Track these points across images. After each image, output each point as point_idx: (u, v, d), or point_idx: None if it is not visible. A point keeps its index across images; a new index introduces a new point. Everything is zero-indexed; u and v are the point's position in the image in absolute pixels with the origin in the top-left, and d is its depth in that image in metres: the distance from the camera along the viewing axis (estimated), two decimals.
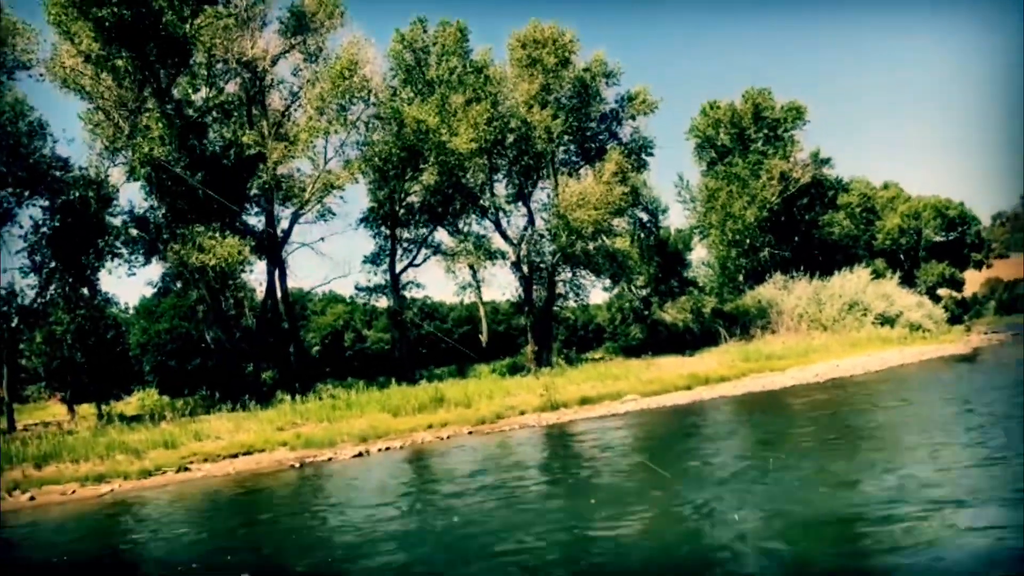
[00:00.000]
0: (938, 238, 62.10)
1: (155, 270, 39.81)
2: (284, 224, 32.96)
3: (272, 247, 31.72)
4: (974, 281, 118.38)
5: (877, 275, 45.12)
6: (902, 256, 61.21)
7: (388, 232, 36.89)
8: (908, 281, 54.13)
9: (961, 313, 64.51)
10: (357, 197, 35.92)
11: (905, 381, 19.97)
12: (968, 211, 65.00)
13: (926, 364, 26.98)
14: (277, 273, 32.03)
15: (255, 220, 33.09)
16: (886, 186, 65.80)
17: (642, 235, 43.24)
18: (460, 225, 37.84)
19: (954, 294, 64.73)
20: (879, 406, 14.42)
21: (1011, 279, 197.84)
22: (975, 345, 36.63)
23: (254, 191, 31.35)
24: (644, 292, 46.04)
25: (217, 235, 27.01)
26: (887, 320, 39.85)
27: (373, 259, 37.47)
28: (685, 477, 8.97)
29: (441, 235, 39.01)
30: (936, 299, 55.33)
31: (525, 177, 37.99)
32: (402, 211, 36.42)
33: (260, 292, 32.78)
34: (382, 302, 39.66)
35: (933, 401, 13.43)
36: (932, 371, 22.46)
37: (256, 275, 32.70)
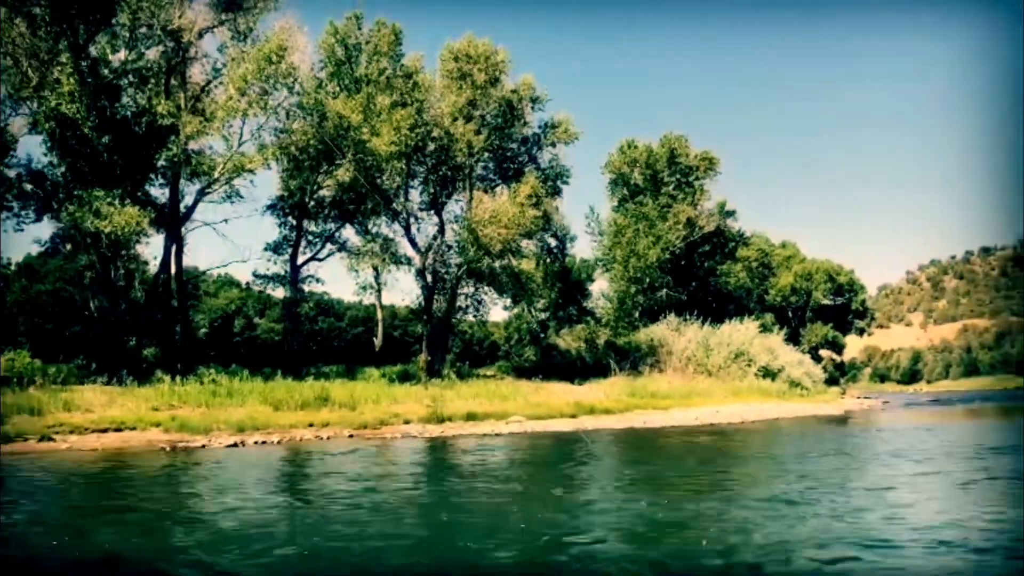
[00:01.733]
0: (826, 301, 64.81)
1: (46, 229, 38.20)
2: (188, 200, 32.15)
3: (173, 222, 30.86)
4: (854, 346, 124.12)
5: (765, 329, 46.81)
6: (790, 314, 63.66)
7: (295, 223, 36.39)
8: (793, 339, 56.37)
9: (838, 375, 67.44)
10: (267, 183, 35.22)
11: (778, 434, 20.76)
12: (856, 279, 68.15)
13: (800, 420, 28.08)
14: (174, 249, 31.18)
15: (158, 192, 32.20)
16: (784, 245, 68.46)
17: (548, 260, 43.76)
18: (369, 225, 37.58)
19: (834, 356, 67.64)
20: (746, 456, 14.97)
21: (888, 349, 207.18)
22: (847, 408, 38.32)
23: (161, 163, 30.45)
24: (543, 316, 46.58)
25: (116, 202, 26.13)
26: (769, 373, 41.34)
27: (275, 248, 36.86)
28: (548, 502, 9.14)
29: (348, 233, 38.68)
30: (817, 359, 57.77)
31: (441, 187, 38.05)
32: (312, 204, 35.99)
33: (153, 266, 31.85)
34: (278, 292, 39.01)
35: (799, 458, 14.03)
36: (805, 428, 23.41)
37: (152, 248, 31.80)
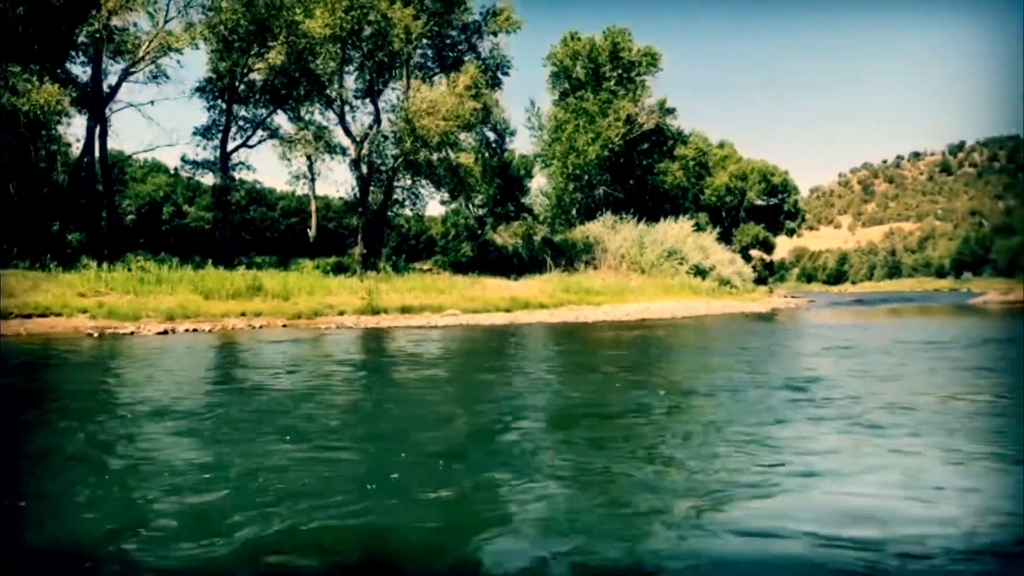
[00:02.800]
0: (759, 201, 65.72)
1: None
2: (112, 80, 30.72)
3: (95, 102, 29.51)
4: (784, 247, 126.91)
5: (699, 228, 47.41)
6: (724, 214, 64.49)
7: (224, 107, 35.10)
8: (726, 238, 57.28)
9: (767, 275, 69.05)
10: (196, 64, 33.47)
11: (705, 330, 21.24)
12: (790, 180, 69.04)
13: (728, 317, 28.77)
14: (97, 131, 29.92)
15: (79, 71, 30.65)
16: (721, 145, 68.71)
17: (487, 154, 43.30)
18: (302, 112, 36.54)
19: (764, 256, 69.05)
20: (671, 349, 15.31)
21: (817, 250, 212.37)
22: (774, 306, 39.37)
23: (82, 39, 28.89)
24: (480, 211, 46.37)
25: (35, 79, 24.82)
26: (701, 271, 42.10)
27: (204, 132, 35.62)
28: (473, 390, 9.24)
29: (280, 119, 37.56)
30: (748, 259, 59.00)
31: (377, 74, 36.94)
32: (242, 87, 34.68)
33: (76, 149, 30.58)
34: (208, 179, 37.95)
35: (724, 351, 14.39)
36: (731, 324, 24.00)
37: (74, 130, 30.52)
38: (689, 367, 11.80)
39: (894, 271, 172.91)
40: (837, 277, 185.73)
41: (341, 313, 22.96)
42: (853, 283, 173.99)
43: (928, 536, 3.90)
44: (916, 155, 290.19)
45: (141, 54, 29.66)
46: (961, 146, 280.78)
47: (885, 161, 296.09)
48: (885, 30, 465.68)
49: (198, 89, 35.06)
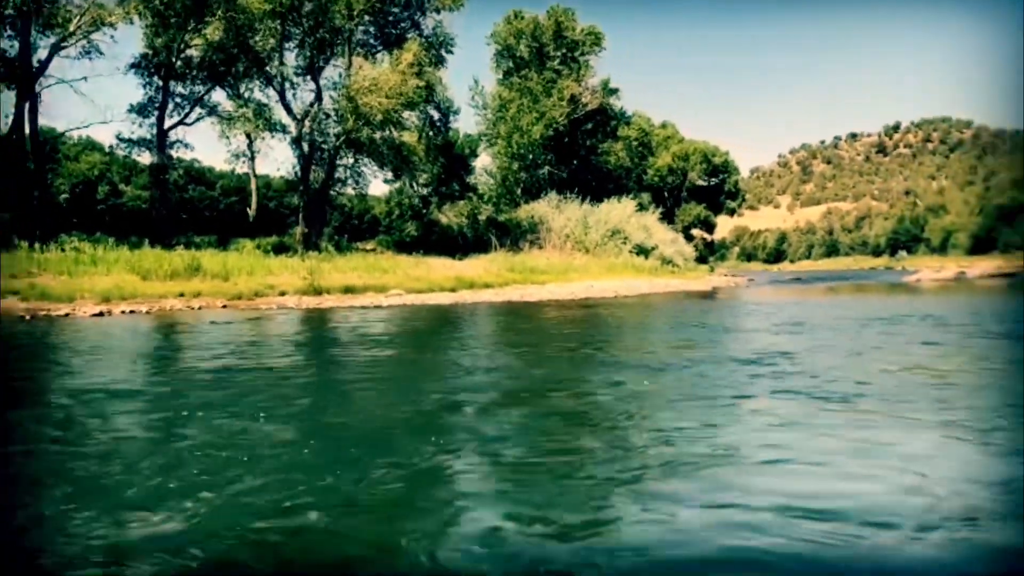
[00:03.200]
0: (701, 182, 66.45)
1: None
2: (41, 55, 29.72)
3: (24, 77, 28.55)
4: (725, 226, 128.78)
5: (642, 208, 47.87)
6: (667, 194, 65.11)
7: (160, 84, 34.23)
8: (668, 218, 57.89)
9: (708, 254, 70.00)
10: (130, 40, 32.40)
11: (649, 308, 21.47)
12: (731, 161, 69.94)
13: (669, 295, 29.13)
14: (27, 107, 28.96)
15: (6, 44, 29.58)
16: (664, 125, 69.26)
17: (431, 133, 43.01)
18: (242, 89, 35.81)
19: (705, 236, 69.95)
20: (613, 326, 15.44)
21: (757, 229, 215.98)
22: (714, 285, 39.99)
23: (9, 11, 27.87)
24: (425, 190, 46.10)
25: None
26: (643, 251, 42.55)
27: (140, 110, 34.70)
28: (419, 370, 9.21)
29: (219, 96, 36.79)
30: (689, 238, 59.73)
31: (318, 51, 36.33)
32: (179, 63, 33.83)
33: (4, 125, 29.58)
34: (145, 157, 37.02)
35: (669, 329, 14.56)
36: (674, 302, 24.29)
37: (2, 106, 29.47)
38: (635, 344, 11.91)
39: (832, 250, 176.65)
40: (776, 256, 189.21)
41: (282, 294, 22.67)
42: (792, 262, 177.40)
43: (892, 503, 3.99)
44: (853, 136, 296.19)
45: (72, 28, 28.75)
46: (897, 127, 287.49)
47: (823, 142, 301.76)
48: (823, 15, 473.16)
49: (133, 65, 34.11)
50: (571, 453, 5.13)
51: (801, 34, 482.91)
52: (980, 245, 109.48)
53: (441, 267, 30.78)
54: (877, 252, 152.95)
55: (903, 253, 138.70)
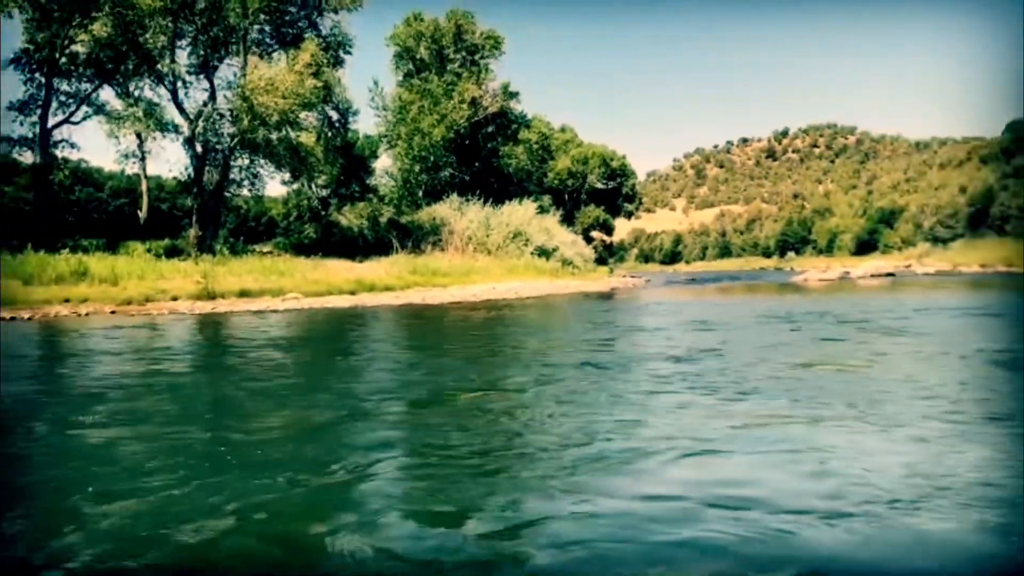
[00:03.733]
0: (600, 185, 67.43)
1: None
2: None
3: None
4: (623, 228, 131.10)
5: (543, 210, 48.32)
6: (567, 196, 65.83)
7: (43, 81, 32.71)
8: (568, 220, 58.59)
9: (608, 255, 71.14)
10: (10, 34, 30.67)
11: (550, 309, 21.70)
12: (628, 165, 71.26)
13: (570, 296, 29.53)
14: None
15: None
16: (563, 129, 70.06)
17: (329, 134, 42.36)
18: (131, 88, 34.53)
19: (605, 238, 71.05)
20: (519, 327, 15.56)
21: (654, 231, 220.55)
22: (613, 286, 40.75)
23: None
24: (324, 192, 45.41)
25: None
26: (544, 252, 42.96)
27: (21, 107, 33.07)
28: (315, 375, 9.09)
29: (108, 95, 35.40)
30: (589, 240, 60.57)
31: (212, 50, 35.35)
32: (64, 60, 32.39)
33: None
34: (27, 157, 35.29)
35: (570, 328, 14.75)
36: (575, 303, 24.62)
37: None
38: (539, 344, 12.02)
39: (725, 251, 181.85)
40: (673, 257, 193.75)
41: (175, 298, 22.01)
42: (687, 263, 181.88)
43: (807, 491, 4.14)
44: (744, 141, 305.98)
45: None
46: (785, 133, 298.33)
47: (716, 146, 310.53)
48: (717, 20, 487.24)
49: (12, 60, 32.52)
50: (481, 454, 5.13)
51: (694, 41, 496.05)
52: (863, 246, 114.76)
53: (340, 270, 30.39)
54: (767, 253, 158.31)
55: (792, 254, 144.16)
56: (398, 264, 33.84)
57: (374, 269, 31.76)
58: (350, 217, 42.58)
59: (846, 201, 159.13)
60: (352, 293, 26.18)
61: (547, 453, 5.13)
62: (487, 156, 49.41)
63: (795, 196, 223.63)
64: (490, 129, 48.87)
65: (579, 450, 5.14)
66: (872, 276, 44.07)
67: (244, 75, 33.87)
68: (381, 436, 5.77)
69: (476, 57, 47.29)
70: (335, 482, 4.54)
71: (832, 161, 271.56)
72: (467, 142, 46.73)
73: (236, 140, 34.46)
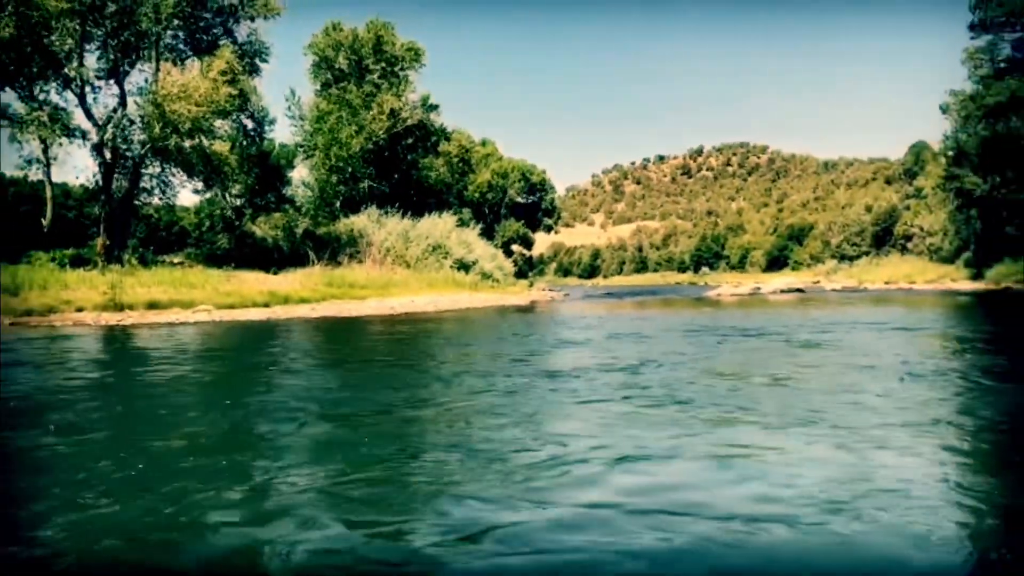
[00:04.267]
0: (520, 199, 67.89)
1: None
2: None
3: None
4: (543, 242, 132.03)
5: (463, 223, 48.36)
6: (487, 210, 66.04)
7: None
8: (488, 234, 58.75)
9: (527, 269, 71.57)
10: None
11: (470, 322, 21.70)
12: (548, 180, 71.95)
13: (490, 309, 29.60)
14: None
15: None
16: (484, 143, 70.30)
17: (244, 143, 41.58)
18: (36, 91, 33.27)
19: (524, 251, 71.48)
20: (438, 340, 15.52)
21: (573, 246, 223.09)
22: (533, 299, 41.05)
23: None
24: (238, 202, 44.51)
25: None
26: (464, 266, 42.95)
27: None
28: (223, 390, 8.91)
29: (10, 98, 33.98)
30: (509, 253, 60.88)
31: (122, 54, 34.33)
32: None
33: None
34: None
35: (489, 341, 14.78)
36: (494, 316, 24.68)
37: None
38: (458, 357, 12.00)
39: (641, 266, 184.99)
40: (591, 271, 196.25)
41: (80, 310, 21.25)
42: (605, 277, 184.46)
43: (732, 498, 4.23)
44: (661, 158, 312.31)
45: None
46: (700, 151, 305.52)
47: (633, 163, 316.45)
48: (634, 40, 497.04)
49: None
50: (406, 466, 5.11)
51: (614, 60, 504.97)
52: (774, 262, 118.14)
53: (254, 281, 29.80)
54: (683, 268, 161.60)
55: (706, 269, 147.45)
56: (314, 276, 33.38)
57: (289, 281, 31.25)
58: (265, 228, 41.79)
59: (758, 218, 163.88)
60: (266, 305, 25.70)
61: (474, 464, 5.13)
62: (406, 168, 49.18)
63: (709, 213, 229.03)
64: (409, 141, 48.67)
65: (509, 461, 5.17)
66: (782, 291, 45.36)
67: (156, 81, 33.02)
68: (300, 450, 5.67)
69: (396, 68, 47.08)
70: (241, 497, 4.45)
71: (744, 179, 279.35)
72: (386, 154, 46.45)
73: (147, 147, 33.53)
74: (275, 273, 33.97)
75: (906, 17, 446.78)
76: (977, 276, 44.70)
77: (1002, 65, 45.30)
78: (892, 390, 8.00)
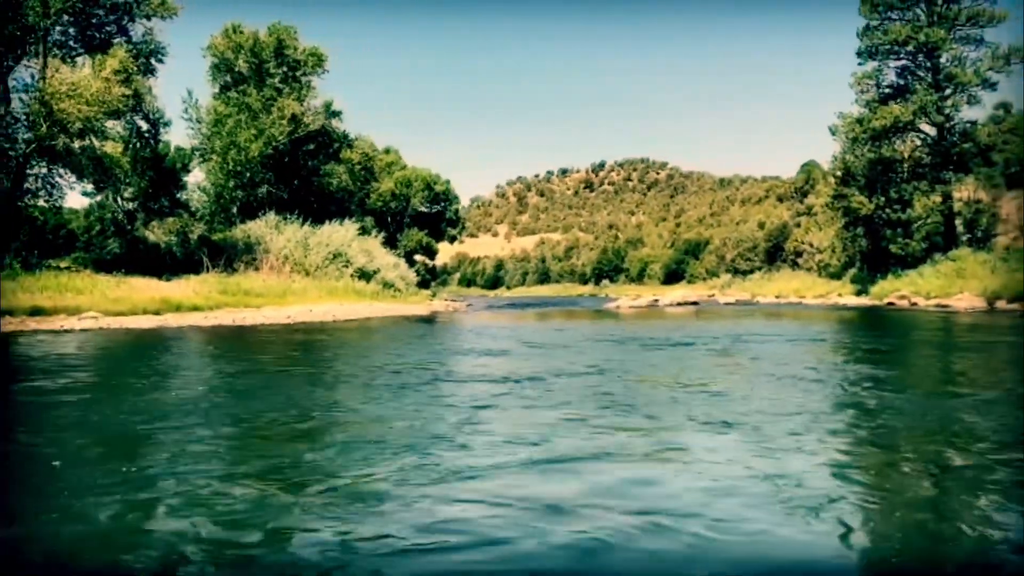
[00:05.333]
0: (423, 208, 67.65)
1: None
2: None
3: None
4: (446, 252, 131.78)
5: (365, 231, 47.88)
6: (390, 219, 65.57)
7: None
8: (391, 243, 58.36)
9: (430, 279, 71.24)
10: None
11: (368, 332, 21.54)
12: (452, 190, 71.90)
13: (391, 319, 29.42)
14: None
15: None
16: (387, 151, 69.85)
17: (138, 144, 40.26)
18: None
19: (427, 261, 71.14)
20: (334, 350, 15.37)
21: (476, 256, 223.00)
22: (435, 309, 40.99)
23: None
24: (130, 205, 43.09)
25: None
26: (365, 275, 42.53)
27: None
28: (108, 401, 8.65)
29: None
30: (412, 263, 60.52)
31: (7, 49, 32.79)
32: None
33: None
34: None
35: (386, 352, 14.71)
36: (394, 326, 24.55)
37: None
38: (348, 368, 11.91)
39: (544, 277, 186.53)
40: (495, 282, 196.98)
41: None
42: (508, 288, 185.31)
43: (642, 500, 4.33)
44: (564, 171, 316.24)
45: None
46: (602, 165, 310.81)
47: (537, 176, 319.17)
48: (538, 53, 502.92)
49: None
50: (299, 475, 5.07)
51: (519, 71, 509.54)
52: (671, 275, 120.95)
53: (145, 288, 28.87)
54: (584, 280, 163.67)
55: (606, 282, 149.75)
56: (208, 283, 32.57)
57: (182, 288, 30.40)
58: (158, 233, 40.55)
59: (656, 232, 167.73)
60: (157, 313, 24.93)
61: (380, 470, 5.13)
62: (307, 174, 48.48)
63: (610, 226, 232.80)
64: (311, 147, 48.03)
65: (416, 467, 5.18)
66: (679, 304, 46.46)
67: (43, 78, 31.69)
68: (175, 459, 5.55)
69: (298, 73, 46.40)
70: (118, 505, 4.35)
71: (644, 194, 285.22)
72: (286, 159, 45.70)
73: (32, 147, 32.10)
74: (168, 279, 32.97)
75: (801, 41, 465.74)
76: (862, 292, 46.69)
77: (887, 91, 47.67)
78: (788, 395, 8.35)
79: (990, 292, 31.94)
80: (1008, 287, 31.21)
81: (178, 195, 45.97)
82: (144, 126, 40.63)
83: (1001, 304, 30.34)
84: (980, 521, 4.21)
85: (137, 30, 36.71)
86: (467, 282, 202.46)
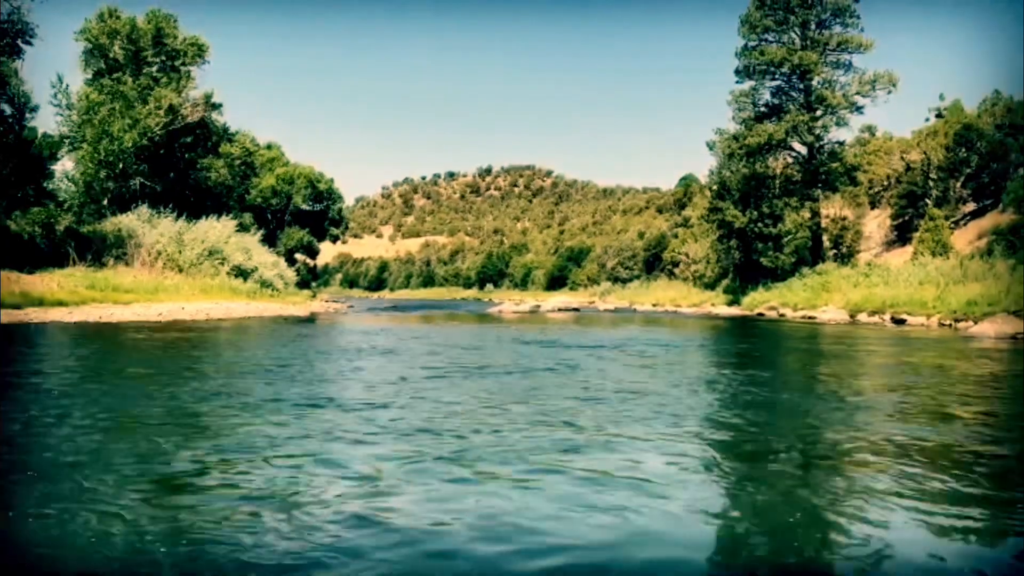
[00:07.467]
0: (305, 206, 66.56)
1: None
2: None
3: None
4: (329, 252, 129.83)
5: (243, 228, 46.68)
6: (270, 216, 64.22)
7: None
8: (271, 241, 57.17)
9: (311, 279, 70.09)
10: None
11: (241, 332, 21.09)
12: (336, 189, 70.98)
13: (267, 319, 28.83)
14: None
15: None
16: (269, 146, 68.45)
17: (2, 130, 38.12)
18: None
19: (309, 260, 69.97)
20: (201, 351, 15.02)
21: (360, 257, 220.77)
22: (315, 310, 40.35)
23: None
24: None
25: None
26: (243, 273, 41.47)
27: None
28: None
29: None
30: (292, 262, 59.46)
31: None
32: None
33: None
34: None
35: (254, 356, 14.46)
36: (269, 326, 24.09)
37: None
38: (211, 371, 11.66)
39: (428, 280, 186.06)
40: (378, 283, 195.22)
41: None
42: (392, 290, 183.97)
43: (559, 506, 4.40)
44: (451, 175, 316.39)
45: None
46: (489, 171, 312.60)
47: (424, 178, 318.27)
48: (427, 54, 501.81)
49: None
50: (176, 477, 4.98)
51: (408, 72, 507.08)
52: (554, 282, 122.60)
53: (5, 281, 27.36)
54: (469, 284, 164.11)
55: (490, 286, 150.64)
56: (74, 277, 31.16)
57: (45, 282, 28.98)
58: (21, 223, 38.42)
59: (540, 239, 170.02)
60: (17, 307, 23.69)
61: (254, 481, 5.08)
62: (184, 167, 46.94)
63: (495, 231, 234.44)
64: (188, 139, 46.55)
65: (291, 480, 5.15)
66: (560, 310, 47.22)
67: None
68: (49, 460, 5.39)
69: (177, 63, 44.93)
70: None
71: (530, 201, 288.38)
72: (162, 151, 44.14)
73: None
74: (30, 272, 31.34)
75: (684, 58, 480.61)
76: (734, 302, 48.60)
77: (762, 109, 49.82)
78: (669, 398, 8.69)
79: (852, 305, 33.84)
80: (869, 300, 33.18)
81: (44, 184, 43.71)
82: (8, 110, 38.52)
83: (862, 317, 32.18)
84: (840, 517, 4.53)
85: (3, 8, 34.82)
86: (350, 283, 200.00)
